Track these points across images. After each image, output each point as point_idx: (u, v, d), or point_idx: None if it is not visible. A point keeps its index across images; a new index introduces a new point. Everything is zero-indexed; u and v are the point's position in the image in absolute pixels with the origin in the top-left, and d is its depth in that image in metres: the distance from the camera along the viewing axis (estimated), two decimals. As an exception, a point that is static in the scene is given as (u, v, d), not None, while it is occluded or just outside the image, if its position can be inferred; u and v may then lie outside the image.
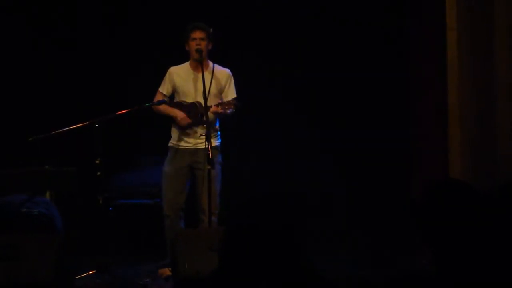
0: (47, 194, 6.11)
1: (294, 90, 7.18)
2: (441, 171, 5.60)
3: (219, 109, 5.58)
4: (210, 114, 5.56)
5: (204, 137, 5.51)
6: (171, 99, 5.85)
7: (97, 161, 5.51)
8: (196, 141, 5.73)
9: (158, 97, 5.84)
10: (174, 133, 5.84)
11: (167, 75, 5.86)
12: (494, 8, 5.15)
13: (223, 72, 5.81)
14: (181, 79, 5.81)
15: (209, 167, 5.38)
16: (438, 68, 5.64)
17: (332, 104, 7.19)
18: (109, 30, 7.18)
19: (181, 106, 5.77)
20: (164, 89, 5.85)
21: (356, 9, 7.17)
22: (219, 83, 5.76)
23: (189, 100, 5.74)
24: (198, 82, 5.64)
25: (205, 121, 5.50)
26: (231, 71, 5.85)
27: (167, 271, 5.68)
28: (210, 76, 5.68)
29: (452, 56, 5.39)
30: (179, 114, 5.73)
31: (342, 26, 7.18)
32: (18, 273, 4.45)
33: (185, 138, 5.77)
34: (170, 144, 5.85)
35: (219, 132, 5.85)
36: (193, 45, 5.70)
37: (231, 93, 5.78)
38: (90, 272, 5.53)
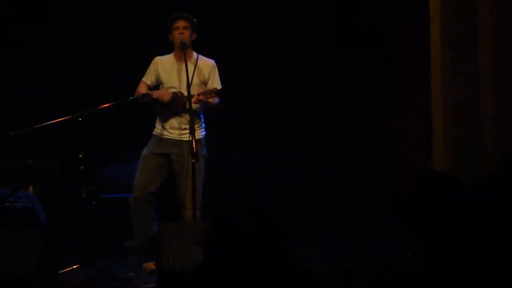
0: (30, 188, 6.09)
1: (278, 82, 7.17)
2: (425, 165, 5.62)
3: (201, 97, 5.56)
4: (193, 104, 5.55)
5: (188, 129, 5.48)
6: (156, 90, 5.84)
7: (81, 155, 5.50)
8: (180, 132, 5.71)
9: (141, 87, 5.82)
10: (158, 123, 5.83)
11: (151, 64, 5.85)
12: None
13: (207, 63, 5.80)
14: (165, 69, 5.80)
15: (193, 160, 5.37)
16: (422, 61, 5.65)
17: (316, 98, 7.19)
18: (92, 22, 7.12)
19: None
20: (148, 79, 5.84)
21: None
22: (202, 74, 5.74)
23: (172, 91, 5.73)
24: (182, 73, 5.62)
25: (188, 110, 5.47)
26: (216, 62, 5.83)
27: (151, 265, 5.67)
28: (193, 67, 5.65)
29: (435, 48, 5.40)
30: (160, 92, 5.72)
31: (324, 18, 7.18)
32: (1, 267, 4.42)
33: (169, 129, 5.75)
34: (154, 132, 5.84)
35: (203, 124, 5.83)
36: (176, 35, 5.69)
37: (215, 84, 5.76)
38: (74, 266, 5.52)
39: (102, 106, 5.60)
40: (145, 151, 5.81)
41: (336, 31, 7.13)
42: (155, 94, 5.75)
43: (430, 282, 2.22)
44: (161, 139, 5.78)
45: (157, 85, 5.85)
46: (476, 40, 5.18)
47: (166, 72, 5.79)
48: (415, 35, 5.84)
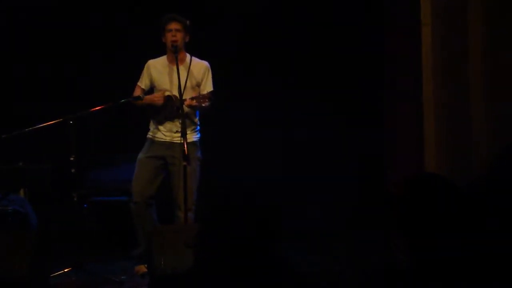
0: (21, 192, 6.08)
1: (270, 84, 7.18)
2: (416, 167, 5.62)
3: (194, 102, 5.55)
4: (185, 108, 5.53)
5: (179, 132, 5.47)
6: (150, 94, 5.83)
7: (72, 158, 5.48)
8: (172, 135, 5.70)
9: (137, 91, 5.81)
10: (152, 126, 5.82)
11: (145, 68, 5.84)
12: (468, 1, 5.17)
13: (200, 65, 5.77)
14: (158, 72, 5.78)
15: (184, 163, 5.35)
16: (412, 63, 5.66)
17: (311, 100, 7.20)
18: (85, 23, 7.12)
19: None
20: (142, 83, 5.82)
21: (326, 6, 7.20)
22: (195, 76, 5.72)
23: (165, 93, 5.72)
24: (174, 75, 5.61)
25: (180, 114, 5.46)
26: (209, 64, 5.82)
27: (143, 268, 5.66)
28: (186, 69, 5.63)
29: (426, 51, 5.41)
30: (153, 96, 5.70)
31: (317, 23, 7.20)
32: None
33: (162, 131, 5.74)
34: (148, 135, 5.83)
35: (198, 127, 5.81)
36: (169, 37, 5.67)
37: (208, 86, 5.75)
38: (65, 270, 5.50)
39: (93, 109, 5.58)
40: (140, 155, 5.80)
41: (328, 35, 7.14)
42: (148, 99, 5.74)
43: (421, 283, 2.23)
44: (153, 142, 5.77)
45: (152, 88, 5.84)
46: (466, 43, 5.19)
47: (159, 74, 5.78)
48: (406, 38, 5.85)
